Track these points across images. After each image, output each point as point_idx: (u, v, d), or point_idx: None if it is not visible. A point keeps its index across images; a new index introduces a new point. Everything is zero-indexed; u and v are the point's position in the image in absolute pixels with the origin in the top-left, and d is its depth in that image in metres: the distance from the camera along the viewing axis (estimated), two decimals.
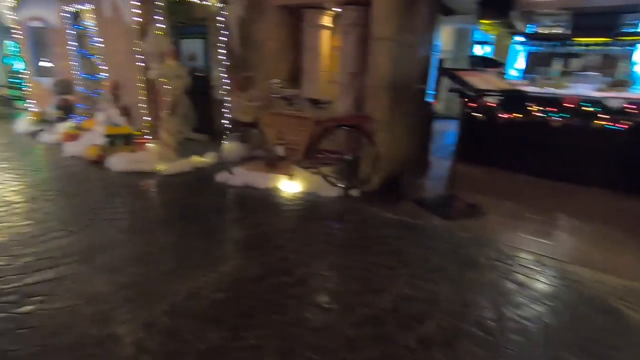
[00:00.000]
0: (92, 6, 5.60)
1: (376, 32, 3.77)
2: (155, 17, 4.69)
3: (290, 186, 4.18)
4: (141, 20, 4.59)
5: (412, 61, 4.37)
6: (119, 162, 4.72)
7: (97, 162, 4.95)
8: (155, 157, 4.85)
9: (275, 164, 4.06)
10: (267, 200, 3.92)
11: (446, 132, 6.76)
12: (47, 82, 6.94)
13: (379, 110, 4.00)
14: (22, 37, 7.38)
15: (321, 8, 4.44)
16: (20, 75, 9.48)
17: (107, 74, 5.85)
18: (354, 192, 4.12)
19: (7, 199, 3.62)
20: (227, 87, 5.54)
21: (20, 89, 9.34)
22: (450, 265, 2.72)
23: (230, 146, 5.62)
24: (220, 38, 5.80)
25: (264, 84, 4.23)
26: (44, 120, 6.97)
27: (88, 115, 6.21)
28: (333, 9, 4.49)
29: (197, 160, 5.11)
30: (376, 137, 3.96)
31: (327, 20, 4.56)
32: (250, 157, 4.79)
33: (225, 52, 5.39)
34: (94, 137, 5.53)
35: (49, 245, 2.74)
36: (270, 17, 4.70)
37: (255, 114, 4.14)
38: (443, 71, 5.08)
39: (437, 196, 4.12)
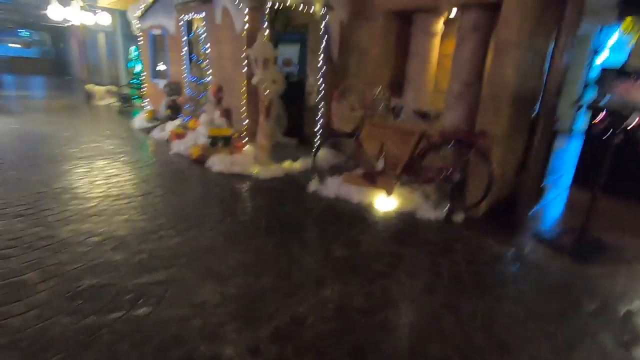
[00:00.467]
0: (205, 14, 5.99)
1: (504, 37, 3.29)
2: (263, 24, 4.80)
3: (386, 203, 3.89)
4: (250, 27, 4.72)
5: (537, 70, 3.77)
6: (218, 163, 4.92)
7: (199, 161, 5.24)
8: (251, 160, 4.96)
9: (373, 178, 3.81)
10: (363, 216, 3.69)
11: (556, 150, 5.84)
12: (161, 83, 7.67)
13: (497, 125, 3.50)
14: (143, 43, 8.30)
15: (435, 12, 4.08)
16: (139, 77, 10.77)
17: (213, 78, 6.21)
18: (458, 217, 3.67)
19: (126, 191, 3.95)
20: (324, 94, 5.47)
21: (138, 89, 10.61)
22: (598, 327, 2.17)
23: (321, 154, 5.54)
24: (319, 45, 5.78)
25: (365, 93, 4.01)
26: (155, 118, 7.74)
27: (193, 116, 6.68)
28: (449, 13, 4.09)
29: (289, 165, 5.11)
30: (491, 156, 3.48)
31: (439, 26, 4.18)
32: (343, 167, 4.62)
33: (324, 58, 5.32)
34: (197, 136, 5.91)
35: (160, 244, 2.86)
36: (376, 22, 4.48)
37: (355, 124, 3.95)
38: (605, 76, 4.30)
39: (562, 229, 3.47)
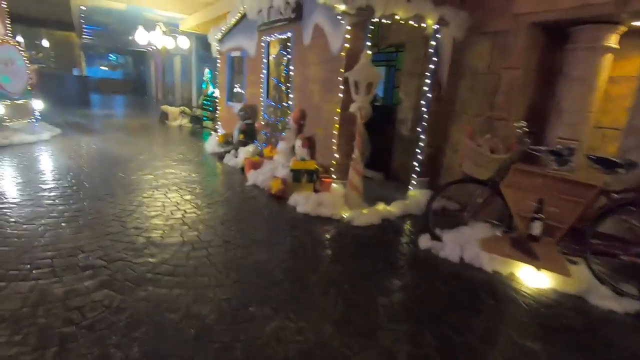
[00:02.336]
0: (291, 35, 5.50)
1: None
2: (365, 43, 4.10)
3: (537, 277, 2.85)
4: (350, 46, 4.04)
5: None
6: (303, 201, 4.21)
7: (278, 197, 4.60)
8: (341, 201, 4.19)
9: (529, 250, 2.78)
10: (510, 297, 2.68)
11: None
12: (236, 107, 7.34)
13: None
14: (221, 65, 8.13)
15: (610, 23, 3.06)
16: (211, 99, 10.79)
17: (294, 103, 5.65)
18: None
19: (203, 236, 3.35)
20: (428, 125, 4.61)
21: (209, 110, 10.60)
22: None
23: (418, 195, 4.63)
24: (417, 66, 4.96)
25: (510, 129, 3.09)
26: (227, 142, 7.39)
27: (269, 143, 6.16)
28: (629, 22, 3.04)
29: (384, 209, 4.26)
30: None
31: (613, 40, 3.14)
32: (457, 218, 3.65)
33: (431, 83, 4.47)
34: (275, 167, 5.31)
35: (255, 331, 2.11)
36: (514, 38, 3.55)
37: (495, 169, 3.00)
38: None
39: None
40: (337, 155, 4.41)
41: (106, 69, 27.13)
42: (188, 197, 4.47)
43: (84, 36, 18.31)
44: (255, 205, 4.36)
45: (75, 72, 16.80)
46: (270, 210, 4.19)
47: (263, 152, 6.02)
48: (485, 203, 3.29)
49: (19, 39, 14.68)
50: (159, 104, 18.80)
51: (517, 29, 3.47)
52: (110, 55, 27.39)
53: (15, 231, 3.18)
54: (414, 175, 4.84)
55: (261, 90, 6.66)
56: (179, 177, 5.38)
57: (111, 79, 26.08)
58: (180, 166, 6.05)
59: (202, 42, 14.86)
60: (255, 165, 5.54)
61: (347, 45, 4.03)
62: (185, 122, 11.07)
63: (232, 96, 7.97)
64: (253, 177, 5.25)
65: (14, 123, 7.21)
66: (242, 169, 5.81)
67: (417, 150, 4.76)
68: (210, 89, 12.34)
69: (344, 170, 4.38)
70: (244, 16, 6.76)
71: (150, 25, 11.18)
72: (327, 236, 3.61)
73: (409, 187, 4.88)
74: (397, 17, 3.95)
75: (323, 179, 4.41)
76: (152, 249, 3.01)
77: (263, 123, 6.44)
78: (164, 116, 11.80)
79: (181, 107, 11.74)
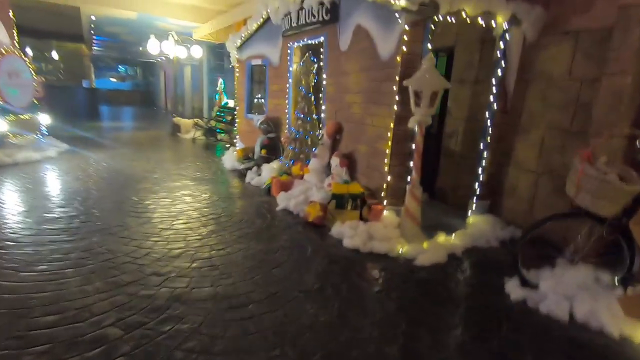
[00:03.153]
0: (323, 39, 4.90)
1: None
2: (425, 45, 3.46)
3: None
4: (408, 50, 3.40)
5: None
6: (350, 234, 3.55)
7: (317, 225, 3.94)
8: (395, 233, 3.52)
9: None
10: None
11: None
12: (257, 119, 6.75)
13: None
14: (240, 75, 7.57)
15: None
16: (228, 110, 10.24)
17: (327, 115, 5.03)
18: None
19: (238, 287, 2.71)
20: (490, 140, 3.95)
21: (224, 122, 10.03)
22: None
23: (480, 222, 3.94)
24: (469, 72, 4.32)
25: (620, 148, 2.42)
26: (247, 158, 6.77)
27: (297, 160, 5.52)
28: None
29: (445, 241, 3.58)
30: None
31: None
32: (554, 259, 2.94)
33: (497, 92, 3.82)
34: (308, 188, 4.67)
35: None
36: (621, 36, 2.88)
37: (624, 203, 2.31)
38: None
39: None
40: (388, 178, 3.75)
41: (115, 80, 26.98)
42: (212, 226, 3.84)
43: (94, 47, 18.05)
44: (293, 238, 3.70)
45: (85, 84, 16.45)
46: (312, 245, 3.53)
47: (291, 170, 5.39)
48: (597, 241, 2.59)
49: (28, 51, 14.43)
50: (168, 115, 18.47)
51: (626, 25, 2.81)
52: (120, 66, 27.27)
53: (10, 282, 2.56)
54: (472, 198, 4.15)
55: (286, 101, 6.07)
56: (199, 200, 4.75)
57: (120, 90, 25.88)
58: (199, 186, 5.43)
59: (214, 52, 14.44)
60: (285, 186, 4.90)
61: (404, 48, 3.39)
62: (198, 134, 10.52)
63: (252, 108, 7.39)
64: (283, 200, 4.60)
65: (19, 139, 6.69)
66: (268, 190, 5.18)
67: (476, 168, 4.09)
68: (224, 99, 11.84)
69: (397, 195, 3.73)
70: (266, 21, 6.20)
71: (162, 35, 10.73)
72: (389, 284, 2.93)
73: (464, 210, 4.20)
74: (463, 14, 3.32)
75: (373, 206, 3.74)
76: (178, 308, 2.36)
77: (289, 137, 5.82)
78: (176, 128, 11.28)
79: (194, 119, 11.21)
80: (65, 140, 8.17)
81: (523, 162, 4.03)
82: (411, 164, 3.53)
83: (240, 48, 7.17)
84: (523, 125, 4.01)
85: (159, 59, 20.58)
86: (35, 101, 7.26)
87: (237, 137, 7.75)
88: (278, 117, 6.37)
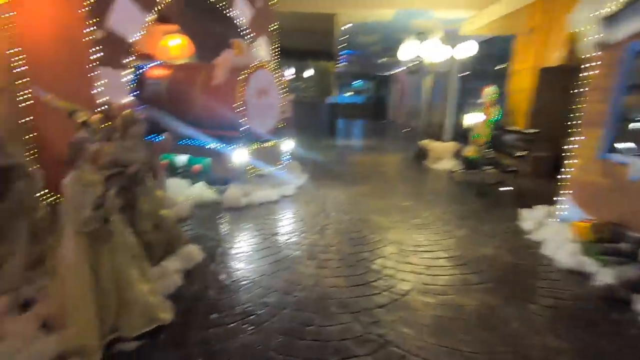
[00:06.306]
0: None
1: None
2: None
3: None
4: None
5: None
6: None
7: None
8: None
9: None
10: None
11: None
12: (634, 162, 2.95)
13: None
14: (601, 70, 3.93)
15: None
16: (496, 130, 6.72)
17: None
18: None
19: None
20: None
21: (497, 150, 6.54)
22: None
23: None
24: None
25: None
26: (602, 240, 3.07)
27: None
28: None
29: None
30: None
31: None
32: None
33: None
34: None
35: None
36: None
37: None
38: None
39: None
40: None
41: (350, 94, 28.18)
42: None
43: (339, 63, 18.42)
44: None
45: (330, 99, 16.76)
46: None
47: None
48: None
49: (289, 72, 15.66)
50: (397, 128, 16.65)
51: None
52: (356, 81, 28.30)
53: None
54: None
55: None
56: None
57: (354, 104, 26.66)
58: (514, 303, 2.27)
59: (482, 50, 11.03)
60: None
61: None
62: (454, 166, 7.49)
63: (623, 137, 3.59)
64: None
65: (258, 172, 5.55)
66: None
67: None
68: (495, 113, 8.30)
69: None
70: None
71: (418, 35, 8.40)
72: None
73: None
74: None
75: None
76: None
77: None
78: (422, 154, 8.68)
79: (452, 143, 8.26)
80: (305, 164, 6.97)
81: None
82: None
83: (613, 20, 3.52)
84: None
85: (397, 70, 19.24)
86: (281, 124, 6.13)
87: (569, 193, 4.10)
88: None
